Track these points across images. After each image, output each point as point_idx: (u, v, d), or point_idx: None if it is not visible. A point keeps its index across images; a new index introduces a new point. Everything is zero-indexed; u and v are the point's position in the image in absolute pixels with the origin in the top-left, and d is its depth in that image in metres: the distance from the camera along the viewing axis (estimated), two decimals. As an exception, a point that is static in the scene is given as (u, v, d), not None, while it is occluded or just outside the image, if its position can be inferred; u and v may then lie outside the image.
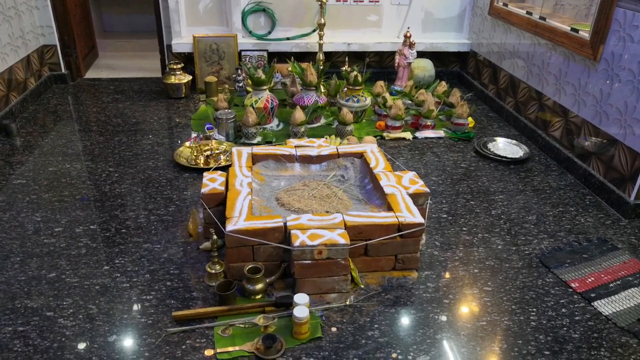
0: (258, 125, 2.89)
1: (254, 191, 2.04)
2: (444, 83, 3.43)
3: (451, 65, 4.10)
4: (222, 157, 2.62)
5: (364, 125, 3.16)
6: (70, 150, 2.71)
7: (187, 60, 3.72)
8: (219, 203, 1.98)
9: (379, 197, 2.08)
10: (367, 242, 1.79)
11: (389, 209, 1.92)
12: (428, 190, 2.03)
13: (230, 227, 1.73)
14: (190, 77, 3.52)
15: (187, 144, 2.70)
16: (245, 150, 2.28)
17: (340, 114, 2.90)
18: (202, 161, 2.59)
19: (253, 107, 2.93)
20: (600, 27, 2.40)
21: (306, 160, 2.31)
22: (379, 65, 4.00)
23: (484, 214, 2.28)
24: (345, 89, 3.15)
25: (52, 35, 3.57)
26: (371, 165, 2.20)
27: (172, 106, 3.39)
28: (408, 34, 3.54)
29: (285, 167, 2.29)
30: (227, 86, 3.58)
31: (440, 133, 3.08)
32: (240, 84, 3.55)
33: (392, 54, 3.90)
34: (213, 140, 2.72)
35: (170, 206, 2.24)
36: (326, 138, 2.74)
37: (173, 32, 3.61)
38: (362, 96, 3.11)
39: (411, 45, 3.57)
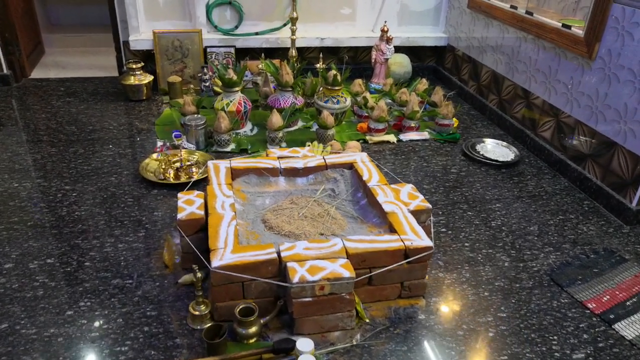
0: (231, 131, 2.63)
1: (237, 213, 1.81)
2: (424, 80, 3.27)
3: (427, 60, 3.94)
4: (194, 169, 2.36)
5: (344, 127, 2.96)
6: (18, 166, 2.38)
7: (147, 58, 3.39)
8: (199, 229, 1.74)
9: (376, 214, 1.89)
10: (373, 272, 1.60)
11: (391, 229, 1.73)
12: (430, 206, 1.86)
13: (216, 262, 1.50)
14: (151, 78, 3.21)
15: (154, 155, 2.42)
16: (223, 165, 2.04)
17: (321, 117, 2.68)
18: (171, 175, 2.33)
19: (225, 111, 2.68)
20: (595, 23, 2.28)
21: (291, 173, 2.09)
22: (354, 61, 3.80)
23: (483, 226, 2.13)
24: (321, 88, 2.93)
25: (-9, 31, 3.17)
26: (364, 178, 2.01)
27: (132, 110, 3.08)
28: (385, 29, 3.35)
29: (268, 182, 2.07)
30: (192, 86, 3.30)
31: (425, 135, 2.92)
32: (207, 84, 3.27)
33: (367, 49, 3.71)
34: (182, 150, 2.46)
35: (140, 231, 1.98)
36: (309, 145, 2.53)
37: (130, 28, 3.28)
38: (341, 97, 2.90)
39: (388, 40, 3.38)
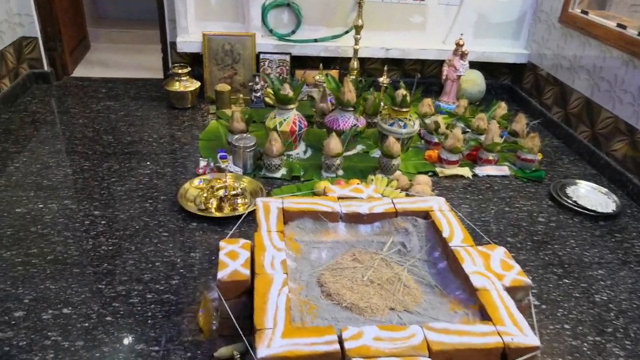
0: (283, 155, 2.31)
1: (289, 272, 1.48)
2: (503, 104, 2.85)
3: (501, 78, 3.51)
4: (239, 200, 2.05)
5: (409, 154, 2.59)
6: (46, 182, 2.13)
7: (194, 62, 3.12)
8: (242, 292, 1.42)
9: (459, 285, 1.52)
10: (463, 377, 1.24)
11: (483, 314, 1.36)
12: (529, 281, 1.47)
13: (262, 350, 1.17)
14: (198, 85, 2.93)
15: (196, 182, 2.12)
16: (275, 205, 1.71)
17: (386, 144, 2.32)
18: (214, 206, 2.02)
19: (277, 131, 2.35)
20: None
21: (354, 219, 1.75)
22: (420, 75, 3.41)
23: (585, 300, 1.73)
24: (383, 104, 2.57)
25: (33, 25, 2.95)
26: (444, 235, 1.64)
27: (175, 119, 2.80)
28: (461, 42, 2.95)
29: (326, 229, 1.73)
30: (241, 96, 3.00)
31: (505, 170, 2.51)
32: (258, 94, 2.96)
33: (435, 62, 3.31)
34: (227, 174, 2.15)
35: (173, 277, 1.68)
36: (372, 179, 2.17)
37: (178, 28, 3.00)
38: (409, 119, 2.53)
39: (463, 56, 2.99)
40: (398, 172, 2.39)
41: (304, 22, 3.11)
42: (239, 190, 2.09)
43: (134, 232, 1.87)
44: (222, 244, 1.53)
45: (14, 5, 2.86)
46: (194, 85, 2.90)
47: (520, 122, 2.67)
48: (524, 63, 3.34)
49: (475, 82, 3.23)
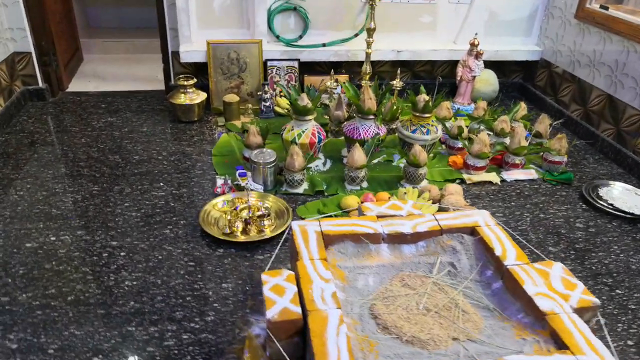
0: (305, 169, 2.19)
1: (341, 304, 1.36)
2: (524, 105, 2.76)
3: (512, 76, 3.43)
4: (265, 222, 1.93)
5: (433, 162, 2.48)
6: (55, 210, 1.98)
7: (198, 72, 2.98)
8: (295, 332, 1.30)
9: (520, 307, 1.42)
10: (552, 420, 1.13)
11: (557, 342, 1.26)
12: (597, 301, 1.37)
13: (333, 402, 1.05)
14: (204, 96, 2.79)
15: (217, 203, 1.98)
16: (312, 228, 1.59)
17: (412, 152, 2.21)
18: (239, 229, 1.89)
19: (296, 144, 2.23)
20: None
21: (397, 239, 1.63)
22: (429, 76, 3.31)
23: (644, 313, 1.64)
24: (394, 105, 2.46)
25: (26, 39, 2.78)
26: (497, 253, 1.53)
27: (183, 134, 2.66)
28: (475, 42, 2.86)
29: (368, 252, 1.61)
30: (250, 105, 2.87)
31: (532, 174, 2.42)
32: (268, 104, 2.83)
33: (445, 63, 3.21)
34: (249, 194, 2.03)
35: (207, 313, 1.55)
36: (404, 191, 2.06)
37: (181, 37, 2.85)
38: (431, 125, 2.42)
39: (478, 56, 2.89)
40: (425, 182, 2.29)
41: (311, 26, 2.98)
42: (264, 210, 1.96)
43: (157, 264, 1.73)
44: (264, 277, 1.40)
45: (5, 19, 2.69)
46: (201, 97, 2.76)
47: (544, 123, 2.59)
48: (537, 60, 3.25)
49: (488, 81, 3.14)
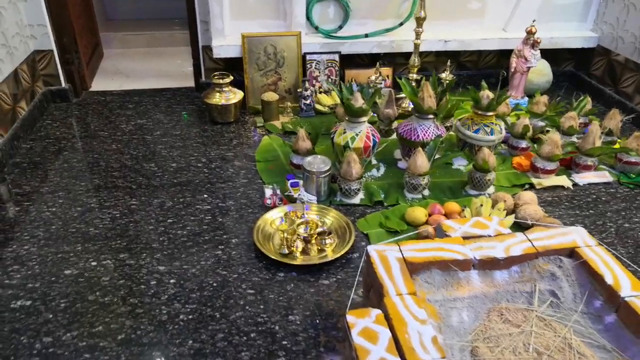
0: (362, 178, 1.99)
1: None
2: (589, 99, 2.53)
3: (563, 64, 3.18)
4: (327, 240, 1.73)
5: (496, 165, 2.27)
6: (93, 230, 1.80)
7: (231, 66, 2.76)
8: (395, 387, 1.11)
9: (646, 348, 1.22)
10: None
11: None
12: None
13: None
14: (241, 95, 2.58)
15: (277, 221, 1.78)
16: (392, 255, 1.39)
17: (480, 156, 2.00)
18: (299, 249, 1.70)
19: (350, 149, 2.03)
20: None
21: (488, 265, 1.44)
22: (475, 67, 3.09)
23: None
24: (449, 101, 2.25)
25: (47, 36, 2.58)
26: (608, 281, 1.33)
27: (220, 137, 2.46)
28: (533, 30, 2.62)
29: (457, 280, 1.42)
30: (289, 104, 2.66)
31: (606, 176, 2.21)
32: (308, 102, 2.62)
33: (492, 52, 2.99)
34: (305, 207, 1.83)
35: (278, 354, 1.36)
36: (480, 203, 1.86)
37: (213, 30, 2.63)
38: (495, 124, 2.21)
39: (534, 45, 2.66)
40: (491, 187, 2.08)
41: (352, 15, 2.75)
42: (323, 226, 1.76)
43: (212, 293, 1.55)
44: (350, 319, 1.21)
45: (25, 16, 2.48)
46: (237, 96, 2.55)
47: (615, 119, 2.36)
48: (592, 47, 3.01)
49: (542, 72, 2.91)
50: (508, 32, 2.92)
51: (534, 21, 2.63)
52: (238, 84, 2.67)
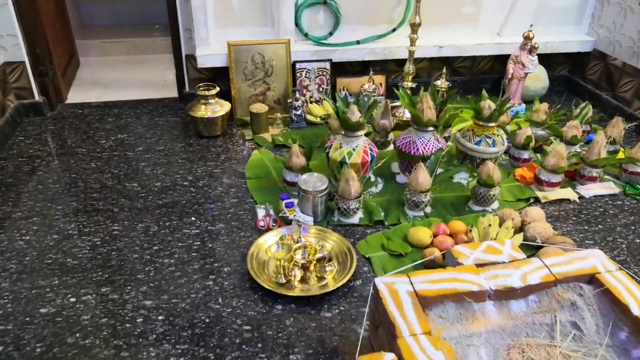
0: (361, 196, 1.87)
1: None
2: (590, 106, 2.46)
3: (558, 69, 3.11)
4: (327, 267, 1.61)
5: (497, 176, 2.17)
6: (71, 261, 1.65)
7: (216, 76, 2.63)
8: None
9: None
10: None
11: None
12: None
13: None
14: (228, 106, 2.44)
15: (272, 248, 1.65)
16: (403, 288, 1.28)
17: (484, 170, 1.90)
18: (297, 278, 1.57)
19: (347, 165, 1.91)
20: None
21: (504, 295, 1.33)
22: (470, 72, 3.00)
23: None
24: (446, 111, 2.14)
25: (18, 47, 2.41)
26: (634, 311, 1.24)
27: (207, 152, 2.32)
28: (531, 35, 2.54)
29: (472, 313, 1.31)
30: (279, 115, 2.54)
31: (612, 187, 2.13)
32: (299, 112, 2.49)
33: (486, 57, 2.90)
34: (303, 227, 1.71)
35: (280, 400, 1.24)
36: (488, 223, 1.75)
37: (197, 38, 2.49)
38: (497, 135, 2.12)
39: (532, 50, 2.57)
40: (496, 202, 1.98)
41: (342, 21, 2.64)
42: (323, 252, 1.64)
43: (205, 330, 1.41)
44: (362, 365, 1.09)
45: (-7, 25, 2.31)
46: (224, 108, 2.41)
47: (618, 127, 2.29)
48: (589, 52, 2.94)
49: (538, 77, 2.83)
50: (503, 37, 2.84)
51: (531, 26, 2.55)
52: (224, 94, 2.53)
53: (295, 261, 1.59)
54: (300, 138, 2.41)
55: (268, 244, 1.69)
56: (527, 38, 2.55)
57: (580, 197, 2.08)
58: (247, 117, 2.52)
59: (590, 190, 2.10)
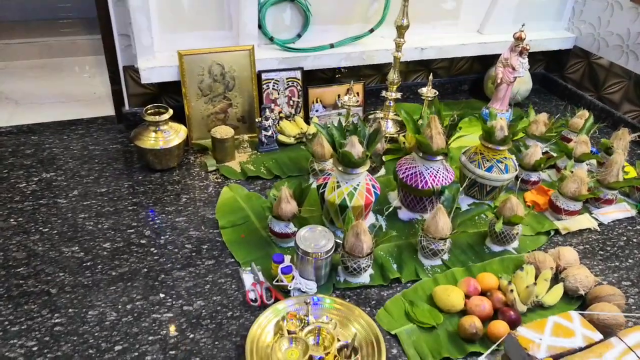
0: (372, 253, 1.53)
1: None
2: (586, 112, 2.26)
3: (534, 66, 2.91)
4: (351, 353, 1.26)
5: (507, 204, 1.91)
6: (-2, 384, 1.18)
7: (163, 91, 2.16)
8: None
9: None
10: None
11: None
12: None
13: None
14: (185, 131, 1.99)
15: (283, 346, 1.26)
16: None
17: (506, 205, 1.63)
18: (316, 379, 1.22)
19: (349, 209, 1.56)
20: None
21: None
22: (447, 74, 2.72)
23: None
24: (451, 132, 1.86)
25: None
26: None
27: (162, 192, 1.86)
28: (522, 36, 2.28)
29: None
30: (245, 137, 2.13)
31: (627, 209, 1.94)
32: (269, 133, 2.09)
33: (464, 58, 2.64)
34: (312, 303, 1.35)
35: None
36: (533, 282, 1.47)
37: (139, 47, 2.00)
38: (508, 159, 1.85)
39: (522, 52, 2.33)
40: (516, 241, 1.72)
41: (312, 21, 2.24)
42: (343, 339, 1.29)
43: None
44: None
45: None
46: (180, 134, 1.95)
47: (624, 139, 2.10)
48: (569, 49, 2.76)
49: (523, 79, 2.60)
50: (485, 35, 2.58)
51: (523, 25, 2.29)
52: (176, 112, 2.06)
53: (311, 357, 1.22)
54: (275, 165, 2.02)
55: (270, 332, 1.31)
56: (518, 39, 2.29)
57: (600, 224, 1.87)
58: (205, 139, 2.08)
59: (608, 214, 1.91)
